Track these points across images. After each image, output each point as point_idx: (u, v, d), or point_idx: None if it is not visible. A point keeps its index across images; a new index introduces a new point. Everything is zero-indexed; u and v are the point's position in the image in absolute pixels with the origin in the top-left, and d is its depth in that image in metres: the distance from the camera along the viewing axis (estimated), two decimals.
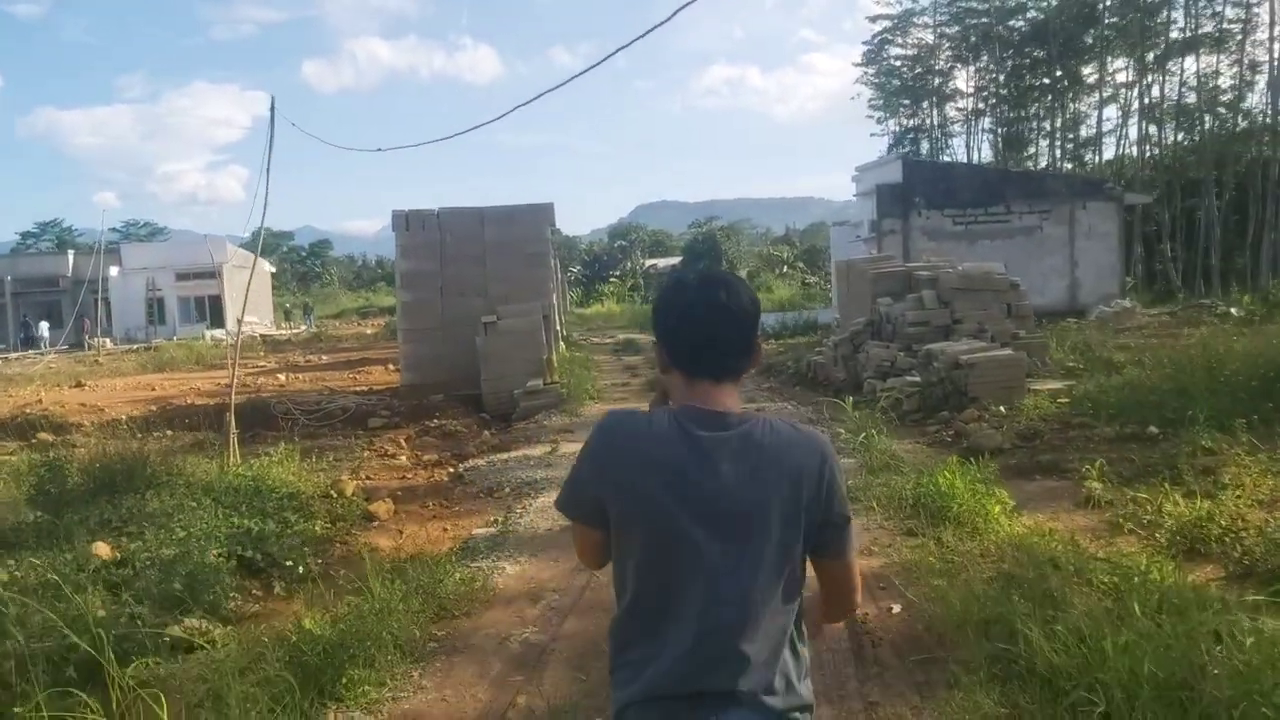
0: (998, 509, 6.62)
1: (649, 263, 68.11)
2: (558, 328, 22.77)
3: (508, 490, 8.95)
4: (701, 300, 1.88)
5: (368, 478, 9.97)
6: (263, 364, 24.49)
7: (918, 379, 13.49)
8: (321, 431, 12.97)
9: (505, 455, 10.58)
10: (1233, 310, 24.45)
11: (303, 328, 43.37)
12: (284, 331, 43.25)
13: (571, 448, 10.72)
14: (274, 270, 64.36)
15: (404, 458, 11.01)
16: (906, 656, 4.52)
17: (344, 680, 4.22)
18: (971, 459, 9.34)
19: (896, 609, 5.21)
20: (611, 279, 63.26)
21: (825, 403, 14.36)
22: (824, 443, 1.91)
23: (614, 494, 1.84)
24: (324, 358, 26.45)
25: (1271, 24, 37.89)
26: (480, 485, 9.29)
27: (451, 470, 10.22)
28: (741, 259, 65.32)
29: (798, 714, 1.85)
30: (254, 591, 6.26)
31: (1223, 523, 6.06)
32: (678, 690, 1.77)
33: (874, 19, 53.49)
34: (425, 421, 13.29)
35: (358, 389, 16.49)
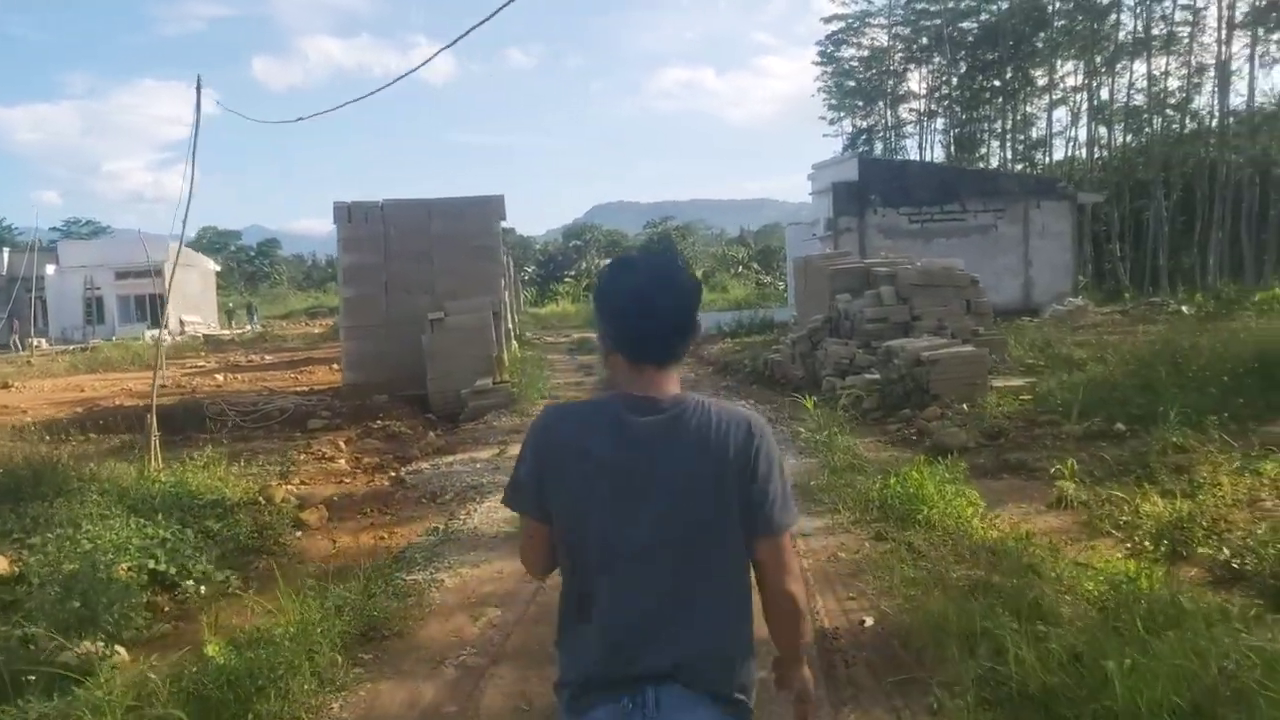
0: (970, 511, 6.26)
1: (604, 262, 67.75)
2: (510, 325, 22.22)
3: (451, 496, 8.43)
4: (644, 284, 1.87)
5: (302, 483, 9.37)
6: (202, 364, 23.60)
7: (878, 376, 13.18)
8: (257, 434, 12.32)
9: (451, 458, 10.04)
10: (1184, 309, 24.66)
11: (246, 328, 42.18)
12: (228, 332, 42.01)
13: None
14: (219, 269, 62.76)
15: (342, 461, 10.42)
16: (883, 677, 4.10)
17: (249, 718, 3.69)
18: (937, 458, 9.08)
19: (869, 622, 4.79)
20: (566, 279, 62.95)
21: (784, 401, 14.02)
22: (755, 420, 1.90)
23: (551, 485, 1.85)
24: (267, 357, 25.60)
25: (1220, 27, 38.45)
26: (423, 490, 8.75)
27: (393, 475, 9.66)
28: (697, 259, 65.48)
29: (739, 694, 1.85)
30: (165, 609, 5.69)
31: (1205, 524, 5.75)
32: (610, 674, 1.78)
33: (828, 20, 53.57)
34: (368, 423, 12.69)
35: (299, 389, 15.81)
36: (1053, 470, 7.98)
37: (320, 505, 8.08)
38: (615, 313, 1.89)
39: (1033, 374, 13.21)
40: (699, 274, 57.34)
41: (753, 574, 1.92)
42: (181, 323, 45.69)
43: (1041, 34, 46.49)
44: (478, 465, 9.47)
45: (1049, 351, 14.57)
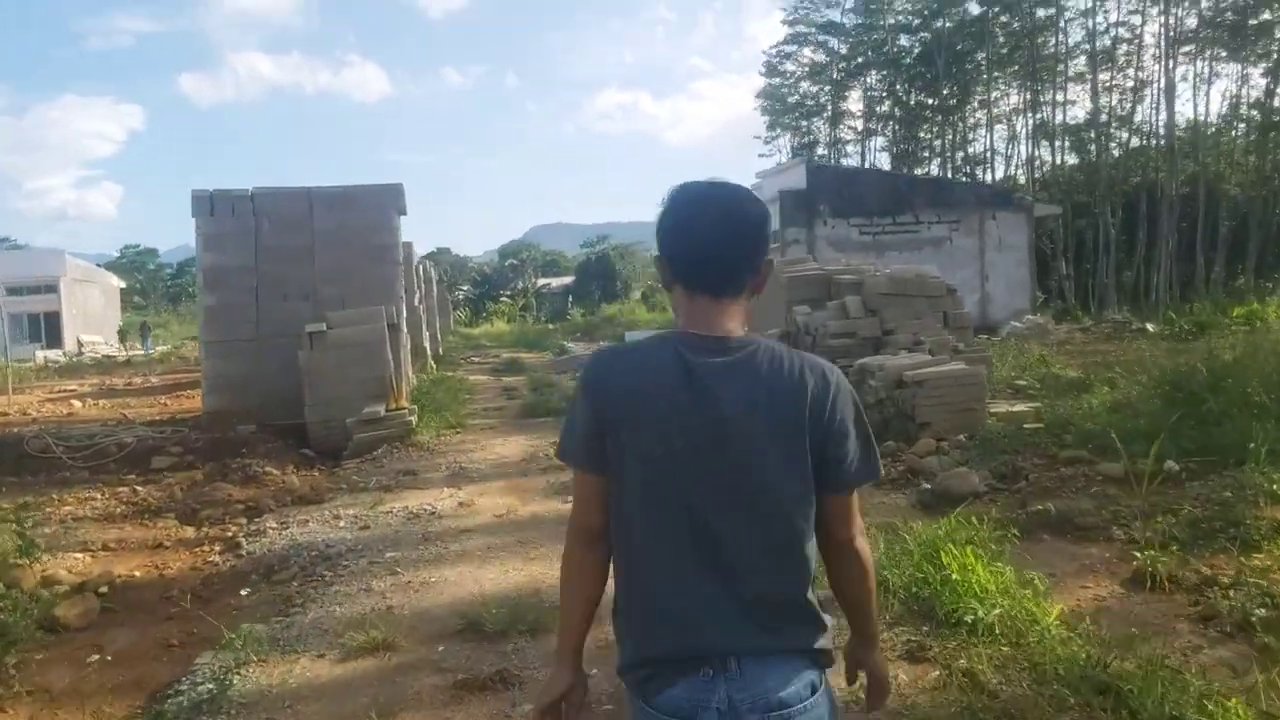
0: (1041, 609, 4.16)
1: (542, 282, 66.56)
2: (425, 343, 19.80)
3: (295, 571, 6.11)
4: (709, 207, 1.72)
5: (103, 548, 6.97)
6: (73, 387, 20.69)
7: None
8: (82, 475, 9.80)
9: (310, 513, 7.68)
10: (1149, 326, 23.37)
11: (140, 350, 38.90)
12: (125, 352, 38.70)
13: (409, 501, 7.93)
14: (123, 286, 59.04)
15: (172, 516, 8.01)
16: None
17: None
18: (945, 509, 7.02)
19: None
20: (502, 298, 60.90)
21: None
22: (832, 369, 1.73)
23: (613, 438, 1.66)
24: (153, 379, 22.75)
25: (1164, 44, 37.85)
26: (258, 564, 6.41)
27: (231, 537, 7.27)
28: (636, 279, 64.15)
29: (822, 643, 1.71)
30: None
31: None
32: (692, 648, 1.61)
33: (772, 47, 52.24)
34: (227, 460, 10.24)
35: (159, 418, 13.24)
36: (1112, 528, 5.99)
37: (100, 591, 5.70)
38: (675, 234, 1.73)
39: (1026, 397, 11.31)
40: (637, 294, 55.95)
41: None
42: (80, 342, 42.26)
43: (980, 52, 45.79)
44: (340, 525, 7.13)
45: (1039, 371, 12.72)
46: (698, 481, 1.63)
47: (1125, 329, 24.14)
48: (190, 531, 7.70)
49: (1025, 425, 9.26)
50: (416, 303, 19.31)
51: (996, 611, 3.96)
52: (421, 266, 21.57)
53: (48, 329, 43.70)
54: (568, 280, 67.39)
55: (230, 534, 7.30)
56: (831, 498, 1.71)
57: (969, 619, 4.09)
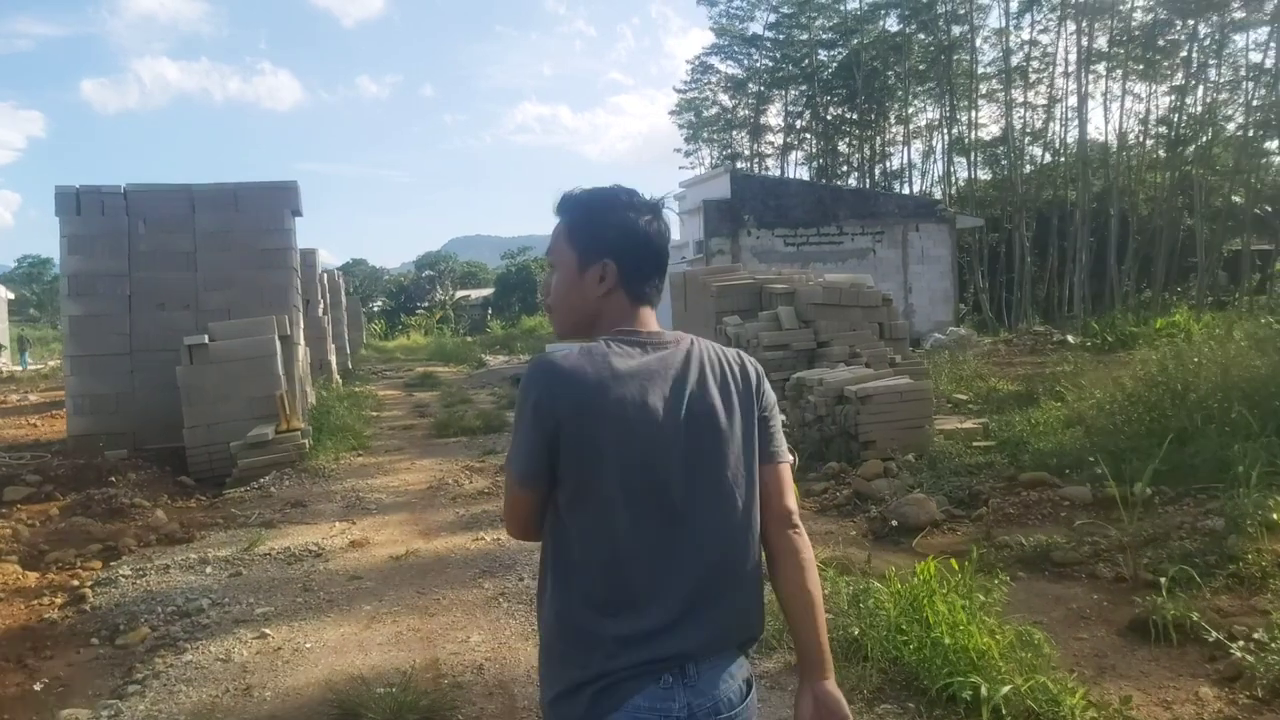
0: (1056, 684, 3.40)
1: (460, 294, 65.30)
2: (330, 356, 18.55)
3: (144, 631, 5.05)
4: (658, 218, 1.74)
5: None
6: None
7: (783, 417, 10.45)
8: None
9: (177, 555, 6.58)
10: (1069, 338, 23.43)
11: (16, 366, 36.38)
12: (5, 368, 36.11)
13: (293, 538, 6.90)
14: (12, 297, 55.65)
15: (15, 558, 6.82)
16: None
17: None
18: (899, 539, 6.35)
19: None
20: (418, 310, 59.36)
21: None
22: (742, 352, 1.79)
23: (572, 441, 1.55)
24: (31, 397, 20.93)
25: (1077, 62, 38.59)
26: (104, 620, 5.33)
27: (79, 583, 6.15)
28: None
29: (757, 634, 1.71)
30: None
31: None
32: (660, 654, 1.52)
33: (694, 58, 51.85)
34: (91, 491, 9.01)
35: (24, 441, 11.82)
36: (1095, 564, 5.33)
37: None
38: (630, 246, 1.69)
39: (967, 413, 10.78)
40: None
41: None
42: None
43: (895, 68, 46.22)
44: (208, 571, 6.06)
45: (976, 385, 12.22)
46: (664, 473, 1.59)
47: (1046, 341, 24.20)
48: (33, 578, 6.54)
49: (975, 443, 8.66)
50: (320, 313, 18.09)
51: (1005, 689, 3.18)
52: (326, 275, 20.30)
53: None
54: (487, 292, 66.30)
55: (77, 582, 6.16)
56: (775, 467, 1.71)
57: (966, 695, 3.32)
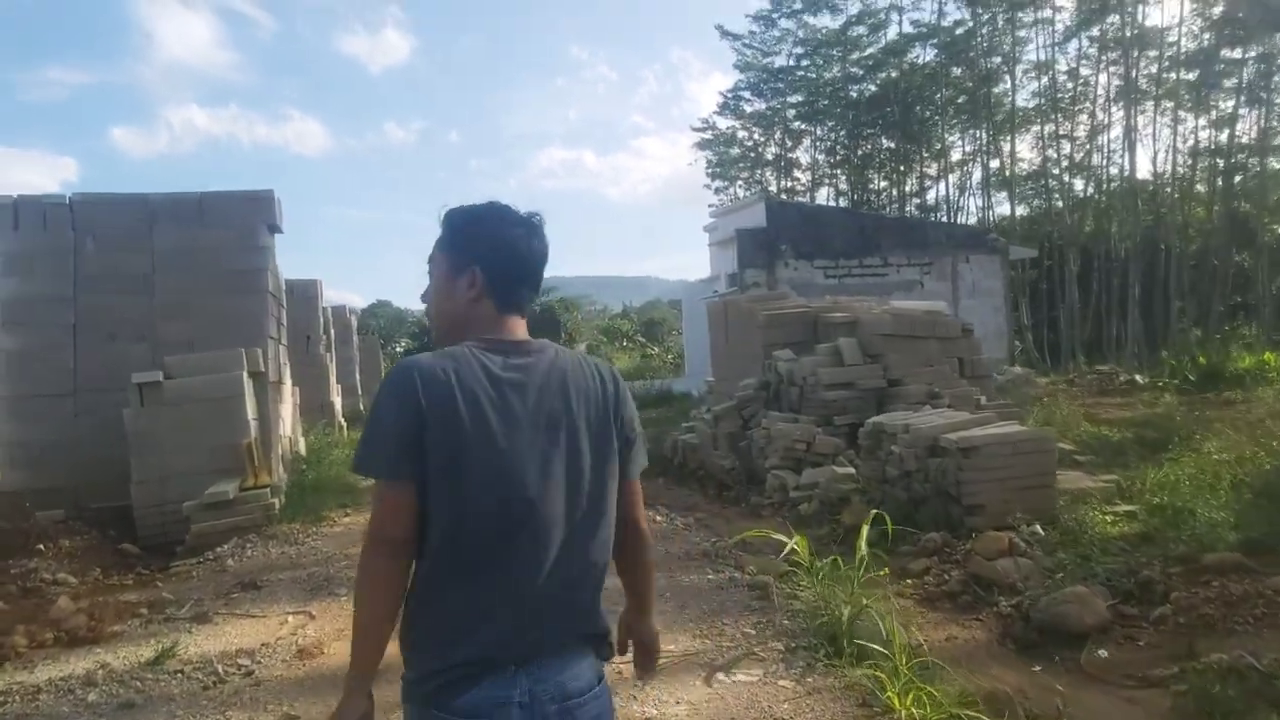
0: None
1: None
2: (333, 398, 16.92)
3: None
4: (530, 231, 1.82)
5: None
6: None
7: (852, 471, 8.67)
8: None
9: (68, 664, 4.85)
10: (1137, 378, 21.54)
11: None
12: None
13: (227, 639, 5.17)
14: None
15: None
16: None
17: None
18: (1050, 649, 4.56)
19: None
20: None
21: (716, 507, 9.33)
22: (608, 363, 1.88)
23: (436, 438, 1.61)
24: None
25: (1124, 93, 36.91)
26: None
27: None
28: (580, 331, 62.23)
29: (605, 630, 1.78)
30: None
31: None
32: (515, 650, 1.62)
33: (725, 91, 50.51)
34: (10, 561, 7.36)
35: None
36: None
37: None
38: (498, 257, 1.78)
39: (1079, 466, 8.93)
40: (582, 346, 53.80)
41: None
42: None
43: (933, 102, 44.73)
44: (90, 698, 4.30)
45: (1074, 432, 10.35)
46: (532, 473, 1.64)
47: (1111, 380, 22.31)
48: None
49: (1112, 508, 6.81)
50: (322, 350, 16.50)
51: None
52: (329, 308, 18.75)
53: None
54: None
55: None
56: (630, 482, 1.85)
57: None
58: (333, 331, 18.91)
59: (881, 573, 5.36)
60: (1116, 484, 7.46)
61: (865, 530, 5.24)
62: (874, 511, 5.92)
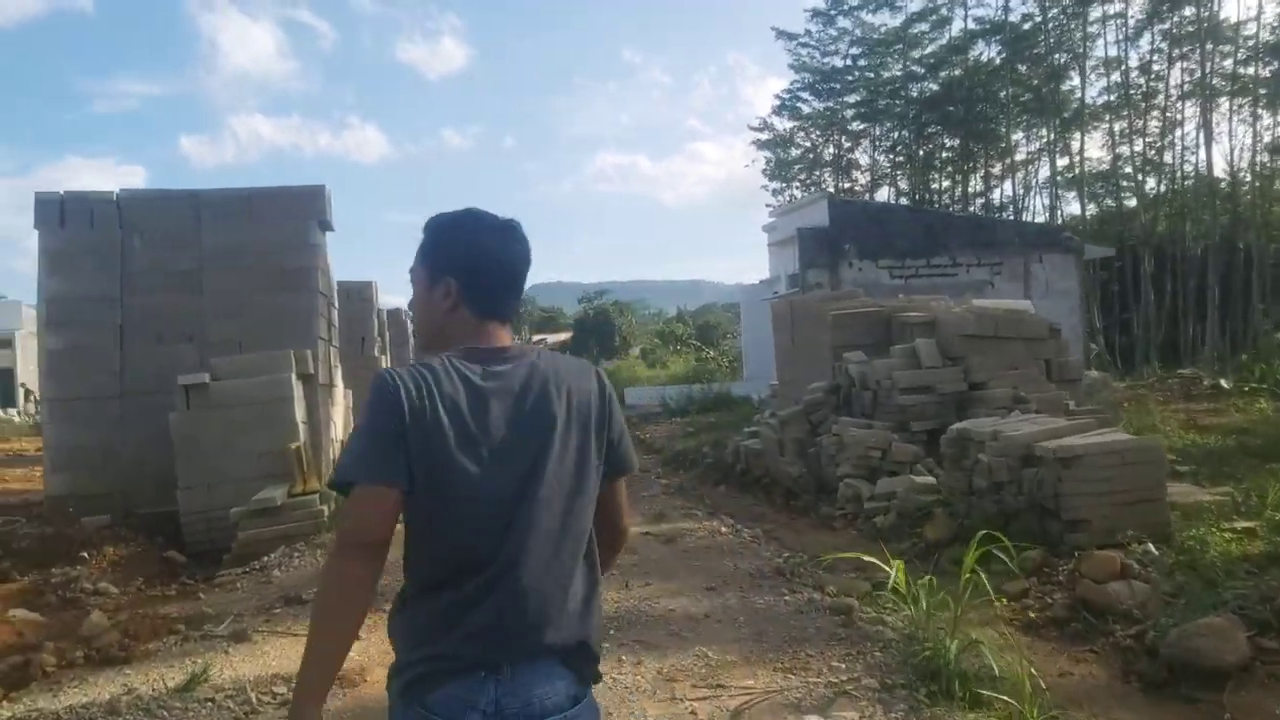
0: None
1: (537, 337, 64.54)
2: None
3: None
4: (500, 236, 1.80)
5: None
6: None
7: (932, 480, 8.08)
8: None
9: (90, 690, 4.51)
10: (1222, 382, 20.45)
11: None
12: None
13: (265, 661, 4.81)
14: None
15: None
16: None
17: None
18: (1182, 688, 3.96)
19: None
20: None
21: (784, 517, 8.82)
22: (592, 365, 1.88)
23: (417, 448, 1.59)
24: None
25: (1199, 88, 35.43)
26: None
27: None
28: (634, 335, 61.97)
29: (594, 659, 1.74)
30: None
31: None
32: (491, 653, 1.60)
33: (781, 93, 49.78)
34: (54, 569, 7.13)
35: (11, 500, 10.06)
36: None
37: None
38: (472, 266, 1.77)
39: (1179, 476, 8.22)
40: (636, 350, 53.48)
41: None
42: (36, 401, 39.01)
43: (998, 95, 43.46)
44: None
45: (1176, 440, 9.60)
46: (511, 479, 1.64)
47: (1194, 385, 21.23)
48: None
49: (1230, 525, 6.14)
50: (376, 352, 16.29)
51: None
52: (384, 310, 18.56)
53: (2, 386, 40.49)
54: (565, 336, 65.55)
55: None
56: (618, 484, 1.84)
57: None
58: (388, 334, 18.74)
59: (999, 601, 4.81)
60: (1230, 497, 6.77)
61: (973, 552, 4.67)
62: (981, 533, 5.35)
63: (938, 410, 9.15)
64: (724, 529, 7.91)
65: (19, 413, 35.28)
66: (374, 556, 1.57)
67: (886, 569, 4.63)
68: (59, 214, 8.74)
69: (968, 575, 4.39)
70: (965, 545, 6.80)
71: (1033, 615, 5.27)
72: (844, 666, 4.25)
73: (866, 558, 4.90)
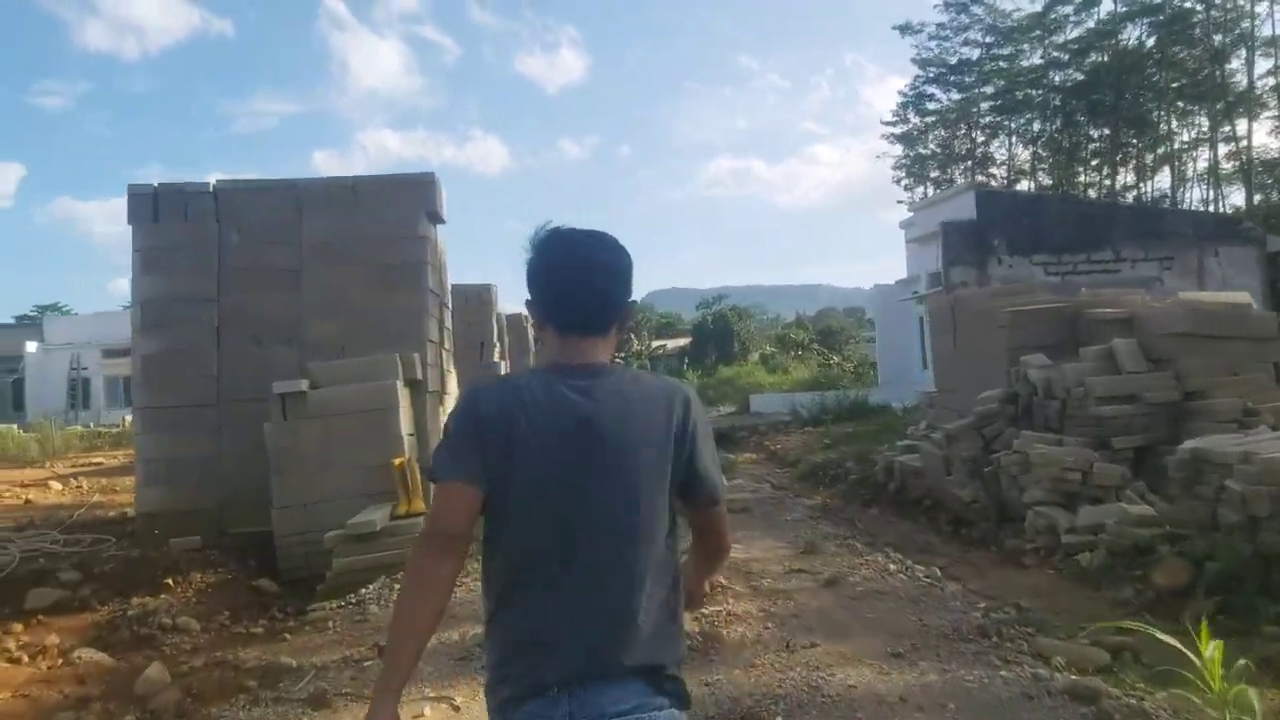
0: None
1: (656, 344, 64.03)
2: None
3: None
4: (576, 254, 1.79)
5: None
6: (99, 460, 17.55)
7: (1150, 511, 6.61)
8: None
9: None
10: None
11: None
12: None
13: None
14: None
15: None
16: None
17: None
18: None
19: None
20: (616, 361, 57.88)
21: (960, 553, 7.48)
22: (685, 388, 1.83)
23: (494, 459, 1.63)
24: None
25: None
26: None
27: None
28: (753, 340, 60.64)
29: (674, 669, 1.73)
30: None
31: None
32: (561, 673, 1.61)
33: (907, 88, 47.61)
34: (135, 597, 6.45)
35: (98, 516, 9.54)
36: None
37: None
38: (545, 284, 1.79)
39: None
40: (756, 356, 52.03)
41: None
42: None
43: (1154, 81, 40.23)
44: None
45: None
46: (575, 496, 1.64)
47: None
48: None
49: None
50: (497, 358, 15.54)
51: None
52: (504, 315, 17.85)
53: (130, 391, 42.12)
54: (684, 342, 64.65)
55: None
56: (710, 512, 1.83)
57: None
58: (508, 339, 18.04)
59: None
60: None
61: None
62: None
63: (1145, 423, 7.65)
64: (892, 565, 6.64)
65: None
66: (450, 551, 1.62)
67: (1182, 649, 3.32)
68: (152, 207, 8.15)
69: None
70: (1210, 596, 5.42)
71: None
72: None
73: (1156, 632, 3.50)
